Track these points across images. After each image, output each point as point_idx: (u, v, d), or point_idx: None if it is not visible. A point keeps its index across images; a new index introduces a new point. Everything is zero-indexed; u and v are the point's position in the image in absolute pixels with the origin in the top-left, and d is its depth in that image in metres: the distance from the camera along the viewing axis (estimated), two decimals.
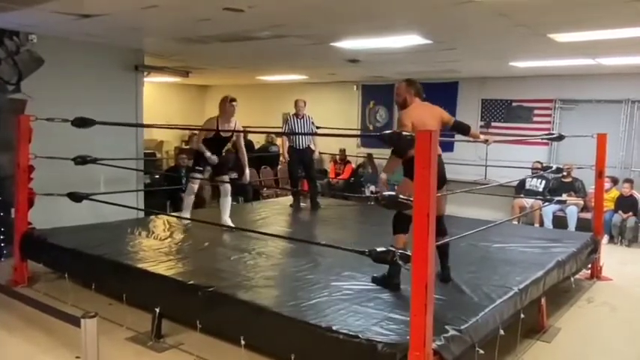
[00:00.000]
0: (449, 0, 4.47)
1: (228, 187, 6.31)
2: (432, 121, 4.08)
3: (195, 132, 6.58)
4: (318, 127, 8.29)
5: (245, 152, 6.43)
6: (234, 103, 6.01)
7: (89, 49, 7.23)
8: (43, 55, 6.60)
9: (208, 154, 5.94)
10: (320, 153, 9.29)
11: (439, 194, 3.58)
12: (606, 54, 6.96)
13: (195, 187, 6.32)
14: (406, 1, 4.59)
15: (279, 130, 12.68)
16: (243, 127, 6.44)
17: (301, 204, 8.11)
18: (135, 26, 6.09)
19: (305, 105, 7.91)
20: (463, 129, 4.49)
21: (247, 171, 6.46)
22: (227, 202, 6.27)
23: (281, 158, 10.25)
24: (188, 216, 6.13)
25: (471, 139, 4.71)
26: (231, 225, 6.02)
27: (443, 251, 4.19)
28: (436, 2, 4.57)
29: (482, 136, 4.85)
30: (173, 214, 6.14)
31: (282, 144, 8.12)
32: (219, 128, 5.96)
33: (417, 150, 2.95)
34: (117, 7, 5.11)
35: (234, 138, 6.32)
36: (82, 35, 6.67)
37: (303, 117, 7.83)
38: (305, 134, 7.83)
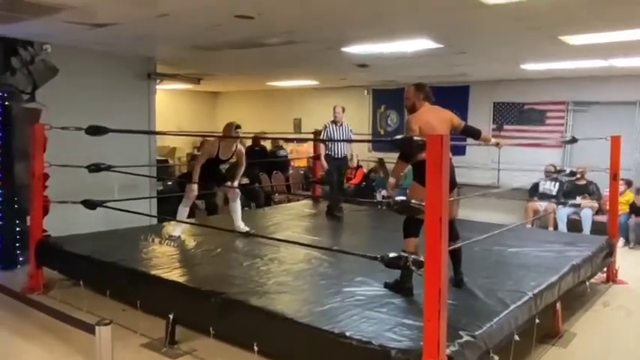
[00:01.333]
0: (461, 5, 4.46)
1: (235, 192, 6.33)
2: (441, 126, 4.05)
3: (209, 139, 6.55)
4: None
5: (243, 168, 6.38)
6: (239, 131, 6.03)
7: (102, 57, 7.32)
8: (57, 65, 6.68)
9: (195, 189, 6.07)
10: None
11: (450, 198, 3.55)
12: (619, 55, 6.89)
13: (192, 198, 6.25)
14: (417, 6, 4.59)
15: (290, 135, 12.59)
16: (255, 133, 6.41)
17: (315, 209, 8.00)
18: (147, 35, 6.15)
19: (343, 111, 7.61)
20: (473, 133, 4.45)
21: (237, 182, 6.39)
22: (236, 206, 6.28)
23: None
24: (180, 230, 6.04)
25: (483, 142, 4.69)
26: (247, 229, 6.05)
27: (456, 256, 4.16)
28: (448, 7, 4.56)
29: (493, 140, 4.83)
30: (186, 220, 6.14)
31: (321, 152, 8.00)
32: (220, 152, 5.97)
33: (428, 154, 2.93)
34: (129, 17, 5.17)
35: (234, 158, 6.28)
36: (95, 44, 6.75)
37: (341, 125, 7.60)
38: (331, 141, 7.60)
